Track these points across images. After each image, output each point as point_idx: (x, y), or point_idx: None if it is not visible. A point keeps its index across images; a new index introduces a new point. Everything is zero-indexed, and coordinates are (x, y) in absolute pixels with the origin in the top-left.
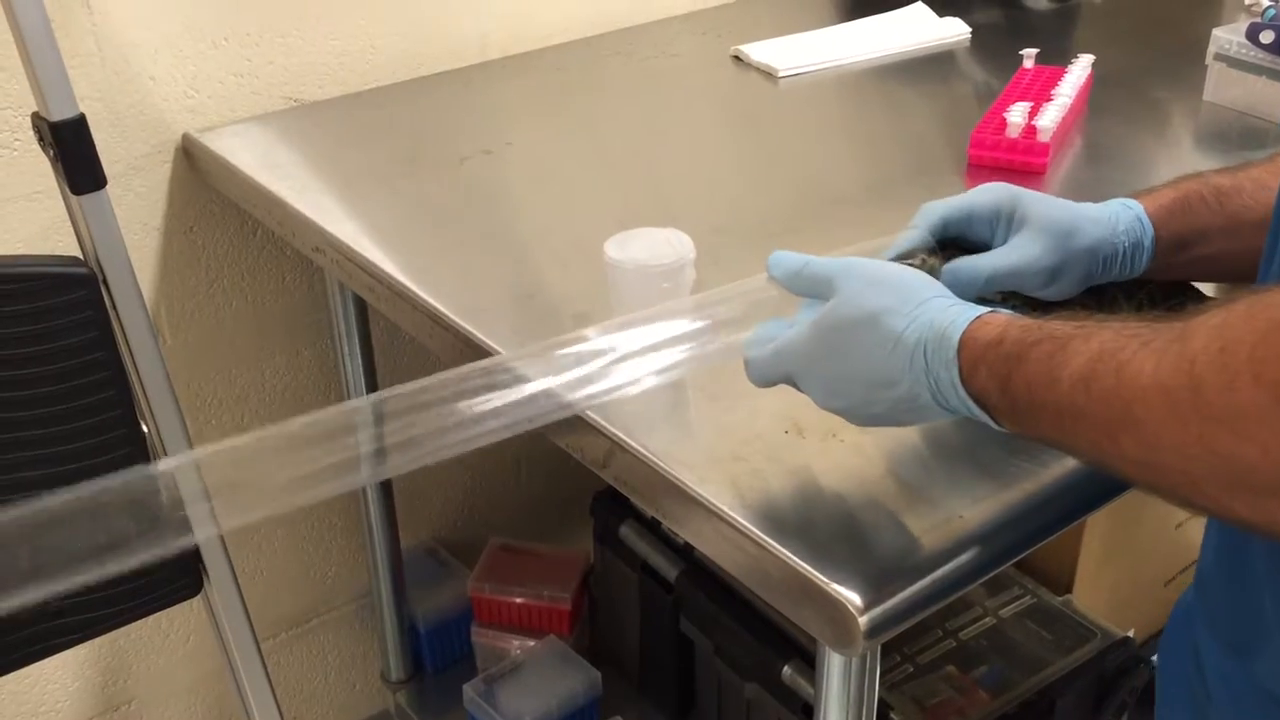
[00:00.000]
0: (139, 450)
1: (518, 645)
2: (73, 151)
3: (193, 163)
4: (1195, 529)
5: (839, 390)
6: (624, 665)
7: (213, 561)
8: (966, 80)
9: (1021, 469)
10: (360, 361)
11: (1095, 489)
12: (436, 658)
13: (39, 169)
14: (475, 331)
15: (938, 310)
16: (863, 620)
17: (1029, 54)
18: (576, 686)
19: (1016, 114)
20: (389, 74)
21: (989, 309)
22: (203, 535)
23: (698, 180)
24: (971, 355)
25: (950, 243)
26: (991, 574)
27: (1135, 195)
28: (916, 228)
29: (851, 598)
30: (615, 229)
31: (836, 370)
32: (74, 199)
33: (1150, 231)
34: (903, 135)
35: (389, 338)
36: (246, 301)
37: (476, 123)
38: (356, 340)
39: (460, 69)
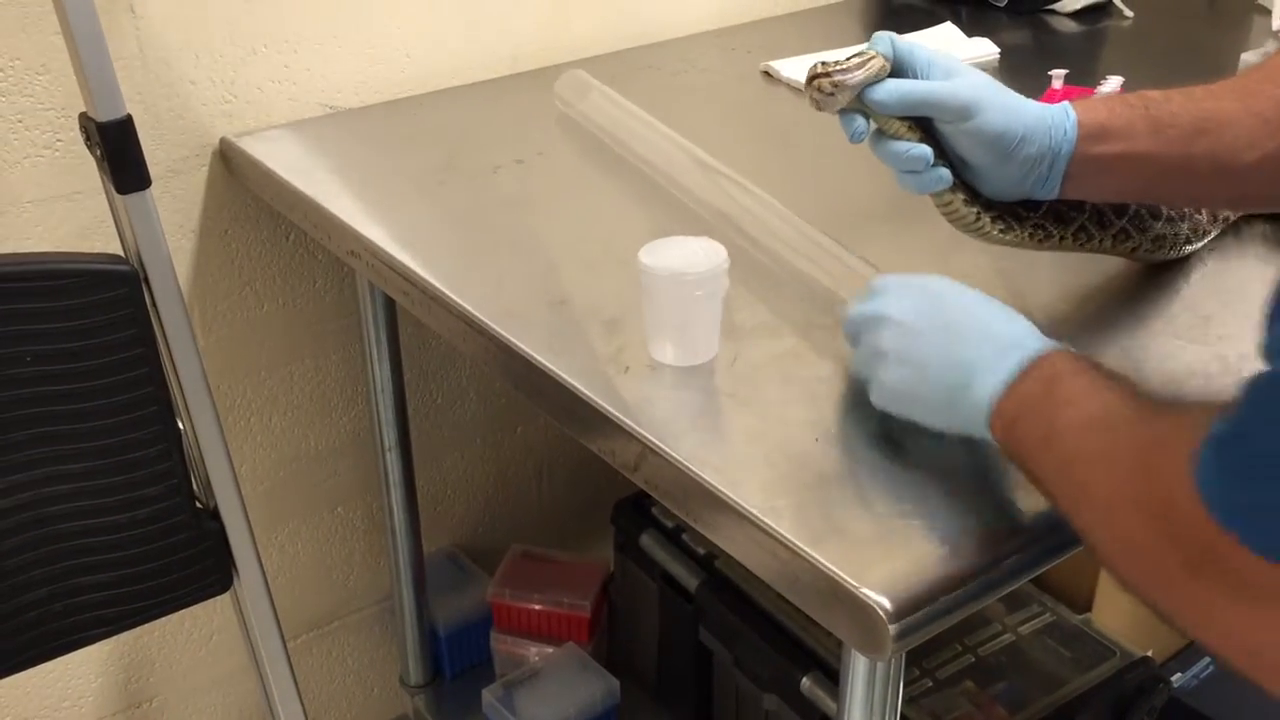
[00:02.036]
0: (175, 447)
1: (536, 652)
2: (119, 152)
3: (229, 166)
4: None
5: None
6: (642, 674)
7: (242, 558)
8: None
9: None
10: (389, 366)
11: None
12: (455, 663)
13: (79, 169)
14: (509, 336)
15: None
16: (893, 626)
17: (1058, 74)
18: (595, 694)
19: None
20: (423, 84)
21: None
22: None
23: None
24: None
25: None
26: (1021, 582)
27: None
28: (879, 41)
29: (881, 601)
30: (646, 238)
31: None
32: (118, 198)
33: (1073, 115)
34: None
35: (417, 343)
36: (278, 304)
37: (509, 132)
38: (385, 345)
39: (493, 79)
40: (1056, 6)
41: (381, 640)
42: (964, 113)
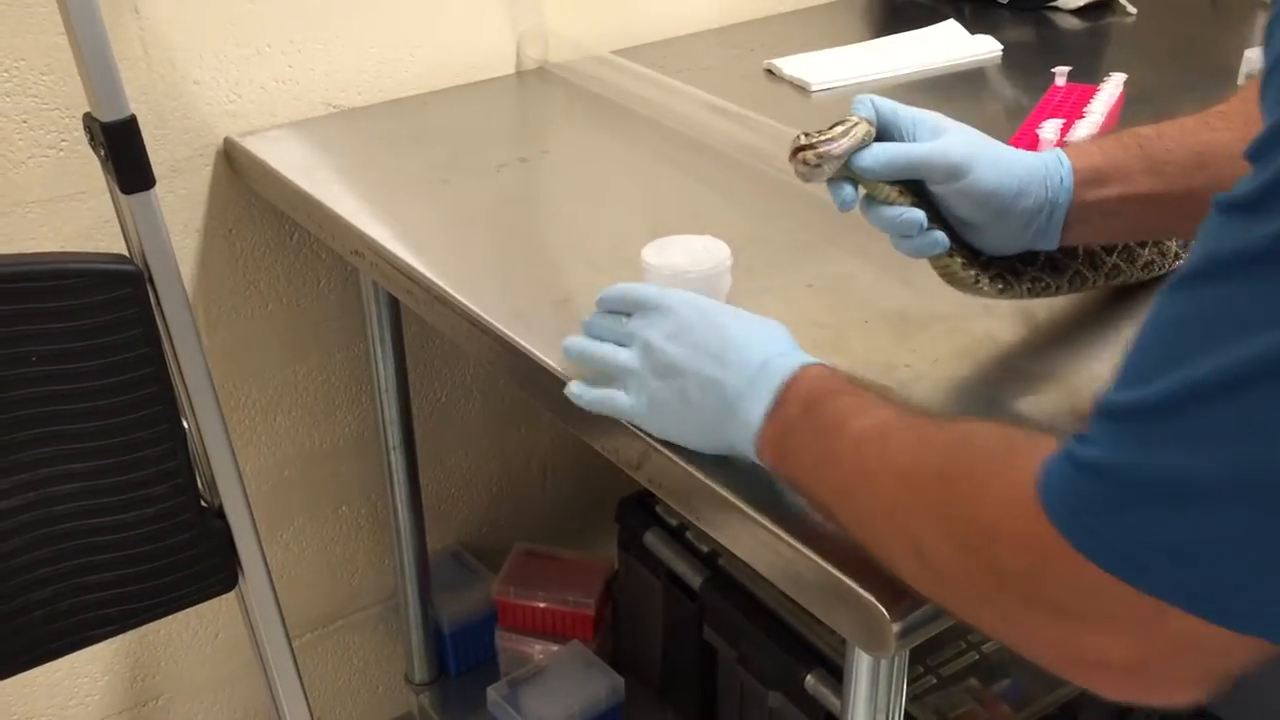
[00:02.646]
0: (180, 446)
1: (541, 650)
2: (123, 151)
3: (233, 166)
4: None
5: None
6: (646, 672)
7: (247, 557)
8: (997, 98)
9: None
10: (393, 365)
11: None
12: (460, 661)
13: (84, 169)
14: (513, 335)
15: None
16: (896, 624)
17: (1061, 71)
18: (599, 692)
19: (1049, 130)
20: (427, 82)
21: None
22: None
23: (731, 190)
24: (796, 381)
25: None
26: None
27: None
28: (861, 105)
29: (884, 600)
30: (650, 236)
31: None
32: (123, 198)
33: (1066, 161)
34: None
35: (420, 342)
36: (282, 304)
37: (513, 131)
38: (389, 344)
39: (497, 78)
40: (1059, 3)
41: (386, 638)
42: (954, 172)
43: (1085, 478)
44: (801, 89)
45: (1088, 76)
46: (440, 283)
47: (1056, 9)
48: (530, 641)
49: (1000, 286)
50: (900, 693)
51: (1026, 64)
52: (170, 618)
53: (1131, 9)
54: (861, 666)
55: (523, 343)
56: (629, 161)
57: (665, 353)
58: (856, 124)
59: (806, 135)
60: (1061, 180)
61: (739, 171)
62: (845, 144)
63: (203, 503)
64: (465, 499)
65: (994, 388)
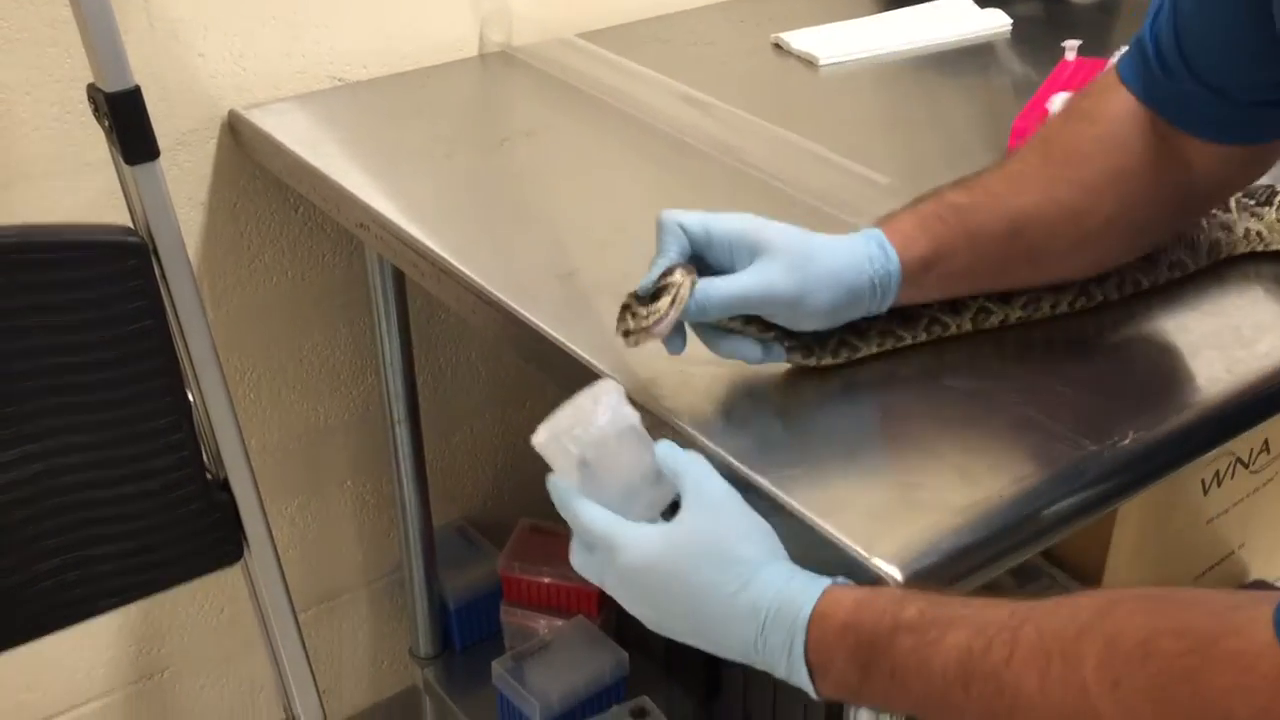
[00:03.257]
0: (185, 419)
1: (546, 625)
2: (128, 122)
3: (238, 139)
4: (1226, 524)
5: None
6: (651, 647)
7: (253, 530)
8: (1006, 72)
9: (1061, 452)
10: (398, 340)
11: (1132, 475)
12: (465, 635)
13: (88, 142)
14: (518, 307)
15: (780, 579)
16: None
17: (1071, 46)
18: (604, 666)
19: (1059, 103)
20: (432, 56)
21: (831, 581)
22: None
23: (737, 164)
24: (823, 634)
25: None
26: (1032, 553)
27: (875, 224)
28: (664, 248)
29: (892, 572)
30: (654, 210)
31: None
32: (127, 170)
33: (895, 258)
34: (943, 125)
35: (425, 317)
36: (287, 278)
37: (518, 105)
38: (394, 319)
39: (501, 52)
40: None
41: (391, 613)
42: (790, 304)
43: None
44: (810, 63)
45: (1097, 50)
46: (445, 255)
47: None
48: (535, 616)
49: (847, 354)
50: None
51: (1036, 38)
52: (176, 593)
53: None
54: None
55: (528, 315)
56: (633, 136)
57: (640, 613)
58: (679, 286)
59: (631, 314)
60: (890, 277)
61: (745, 146)
62: (673, 315)
63: (208, 475)
64: (470, 474)
65: (976, 379)
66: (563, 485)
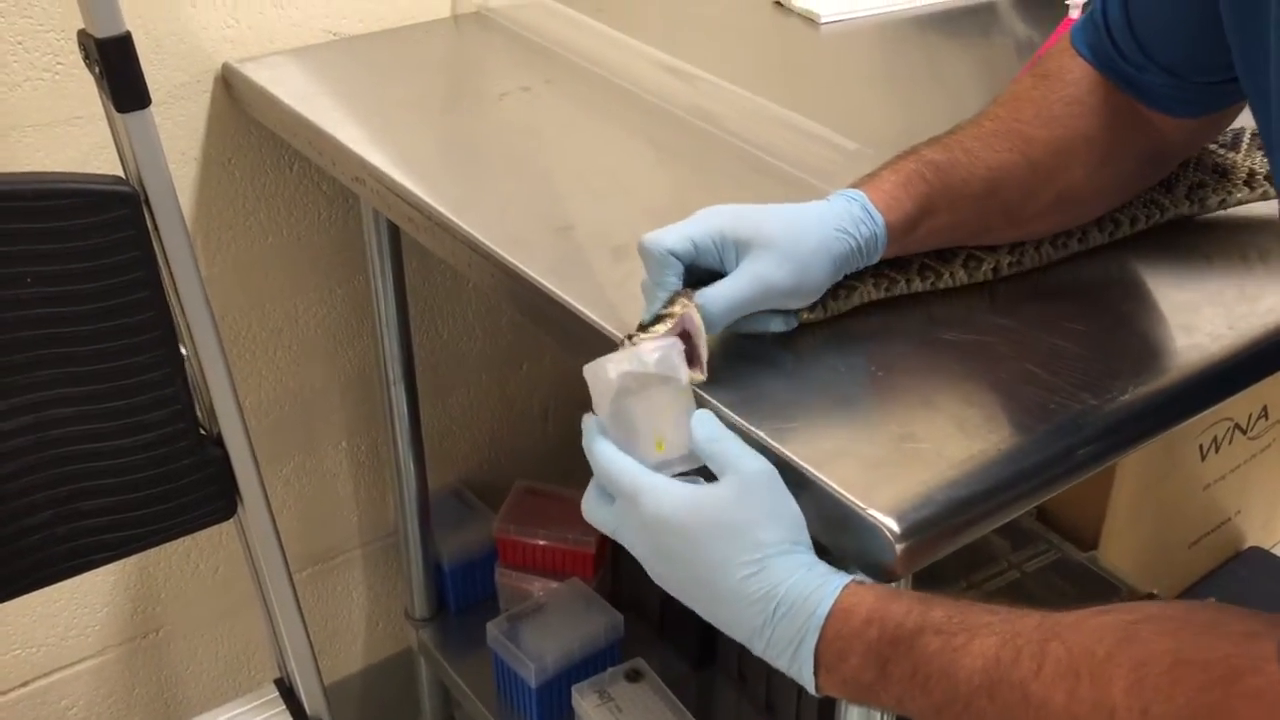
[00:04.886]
0: (178, 372)
1: (540, 587)
2: (118, 69)
3: (232, 93)
4: (1223, 490)
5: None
6: (646, 609)
7: (246, 486)
8: (1008, 33)
9: (1059, 406)
10: (394, 300)
11: (1131, 430)
12: (460, 597)
13: (80, 93)
14: (515, 261)
15: (798, 569)
16: (899, 546)
17: (1075, 4)
18: (598, 628)
19: None
20: (428, 10)
21: (851, 577)
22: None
23: (737, 121)
24: (842, 629)
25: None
26: (1028, 507)
27: (855, 184)
28: (662, 279)
29: (889, 523)
30: (653, 165)
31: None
32: (118, 118)
33: (880, 220)
34: (944, 84)
35: (422, 278)
36: (282, 236)
37: (515, 60)
38: (390, 278)
39: (499, 7)
40: None
41: (387, 574)
42: (789, 293)
43: None
44: (811, 21)
45: None
46: (441, 209)
47: None
48: (530, 579)
49: (845, 296)
50: None
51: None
52: (170, 551)
53: None
54: None
55: (525, 269)
56: (631, 92)
57: (650, 567)
58: (677, 315)
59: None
60: (877, 240)
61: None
62: (701, 349)
63: (201, 430)
64: (466, 436)
65: (974, 332)
66: (594, 423)
